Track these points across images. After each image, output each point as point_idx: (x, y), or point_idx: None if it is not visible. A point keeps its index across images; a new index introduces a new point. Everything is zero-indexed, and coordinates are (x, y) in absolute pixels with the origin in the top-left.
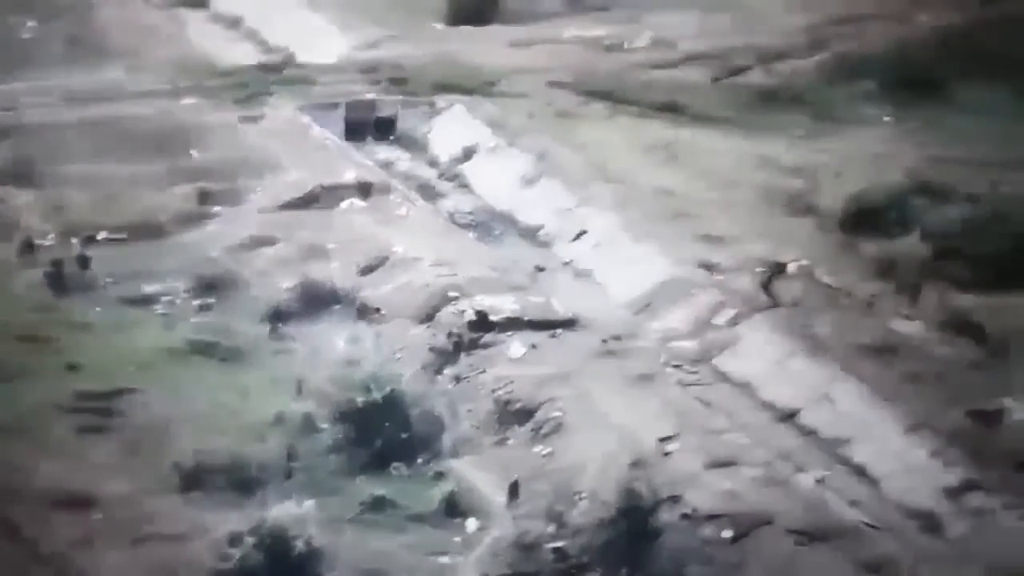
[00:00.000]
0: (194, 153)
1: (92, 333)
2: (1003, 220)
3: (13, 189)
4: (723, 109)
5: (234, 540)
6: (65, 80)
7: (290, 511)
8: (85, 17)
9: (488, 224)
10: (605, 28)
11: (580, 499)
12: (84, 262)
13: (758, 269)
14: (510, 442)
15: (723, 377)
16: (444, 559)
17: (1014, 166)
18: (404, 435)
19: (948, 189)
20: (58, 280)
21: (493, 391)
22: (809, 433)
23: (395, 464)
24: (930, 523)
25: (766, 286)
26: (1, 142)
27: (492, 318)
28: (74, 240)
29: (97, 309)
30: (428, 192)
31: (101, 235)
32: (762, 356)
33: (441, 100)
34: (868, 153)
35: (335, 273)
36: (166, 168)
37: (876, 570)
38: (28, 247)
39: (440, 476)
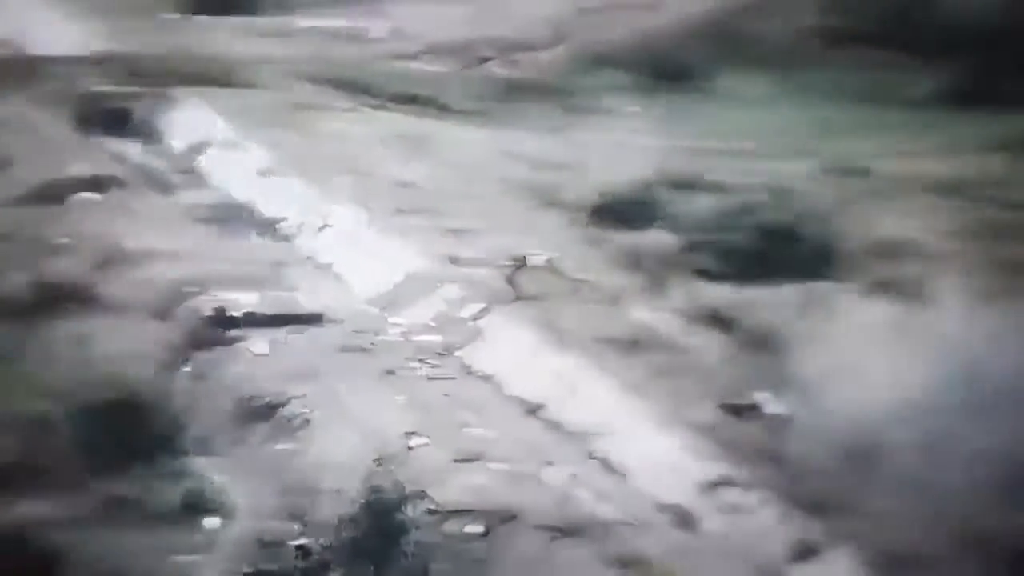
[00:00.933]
0: None
1: None
2: (754, 211)
3: None
4: (467, 101)
5: None
6: None
7: (28, 511)
8: None
9: (227, 217)
10: (346, 19)
11: (324, 496)
12: None
13: (504, 263)
14: (253, 439)
15: (469, 371)
16: (186, 558)
17: (766, 156)
18: (143, 434)
19: (697, 180)
20: None
21: (234, 388)
22: (557, 427)
23: (135, 463)
24: (683, 518)
25: (512, 280)
26: None
27: (233, 313)
28: None
29: None
30: (164, 185)
31: None
32: (508, 350)
33: (177, 92)
34: (617, 144)
35: (68, 269)
36: None
37: (627, 565)
38: None
39: (181, 475)
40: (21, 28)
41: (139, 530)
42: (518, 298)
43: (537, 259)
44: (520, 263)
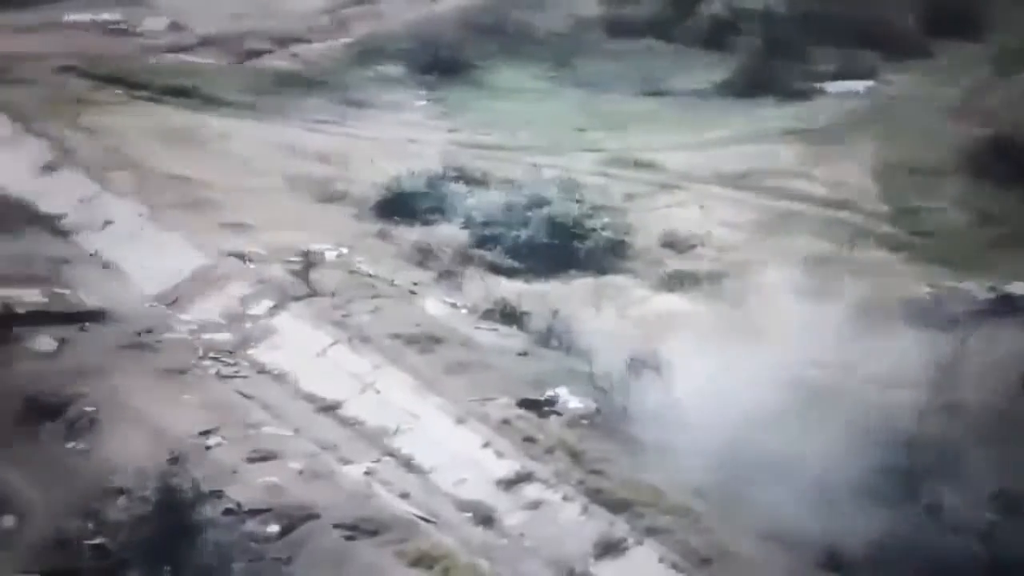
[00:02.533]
0: None
1: None
2: (542, 205)
3: None
4: (243, 94)
5: None
6: None
7: None
8: None
9: (5, 214)
10: (116, 12)
11: (118, 495)
12: None
13: (291, 258)
14: (43, 438)
15: (262, 369)
16: None
17: (551, 150)
18: None
19: (485, 174)
20: None
21: (21, 387)
22: (354, 424)
23: None
24: (483, 515)
25: (301, 275)
26: None
27: (15, 311)
28: None
29: None
30: None
31: None
32: (301, 347)
33: None
34: (401, 138)
35: None
36: None
37: (428, 563)
38: None
39: None
40: None
41: None
42: (309, 294)
43: (327, 255)
44: (310, 258)
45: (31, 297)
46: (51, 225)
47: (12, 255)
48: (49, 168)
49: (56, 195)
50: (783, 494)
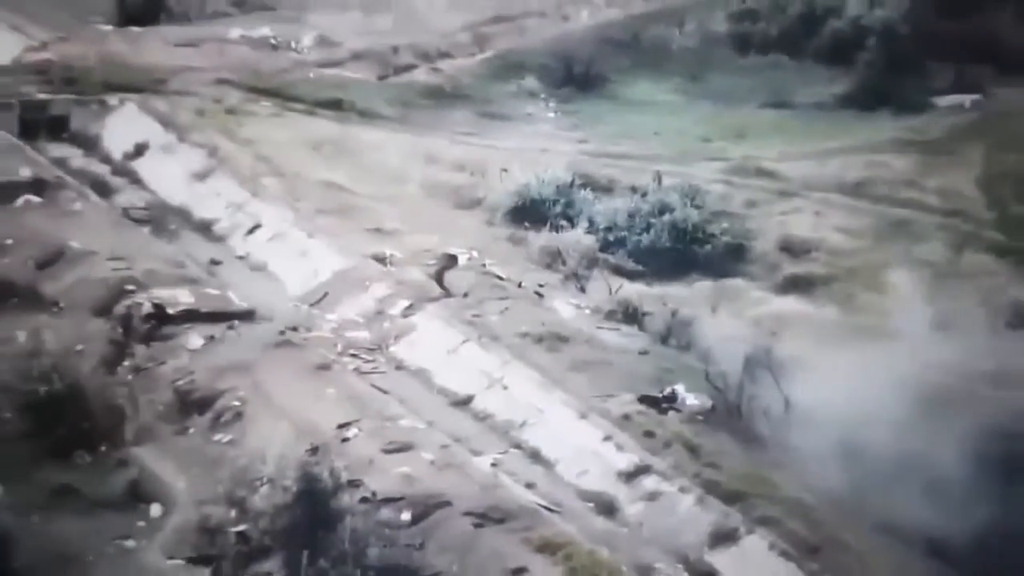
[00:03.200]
0: None
1: None
2: (665, 211)
3: None
4: (389, 106)
5: None
6: None
7: None
8: None
9: (163, 219)
10: (271, 27)
11: (261, 484)
12: None
13: (429, 261)
14: (191, 431)
15: (398, 365)
16: (129, 543)
17: (677, 159)
18: (87, 425)
19: (612, 182)
20: None
21: (173, 382)
22: (483, 418)
23: (78, 452)
24: (604, 505)
25: (438, 277)
26: None
27: (169, 310)
28: None
29: None
30: (102, 188)
31: None
32: (436, 344)
33: (112, 99)
34: (533, 148)
35: (13, 268)
36: None
37: (554, 548)
38: None
39: (123, 464)
40: None
41: (84, 516)
42: (444, 295)
43: (462, 257)
44: (446, 261)
45: (183, 297)
46: (204, 229)
47: (166, 257)
48: (203, 175)
49: (209, 201)
50: (895, 488)
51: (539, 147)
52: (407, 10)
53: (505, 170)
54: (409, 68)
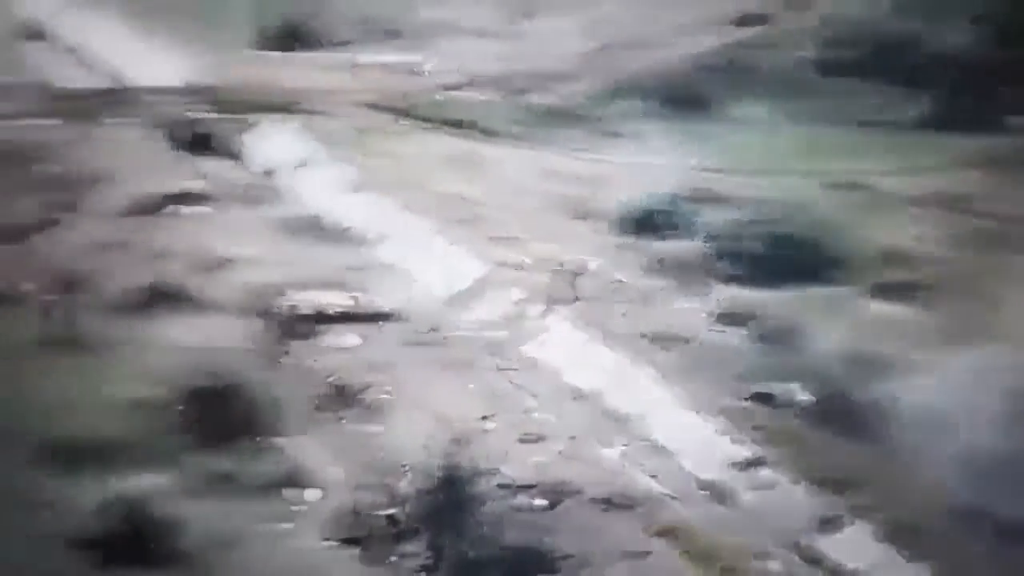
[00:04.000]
0: (41, 167)
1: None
2: (766, 222)
3: None
4: (512, 125)
5: (97, 509)
6: None
7: (146, 484)
8: None
9: (315, 228)
10: (399, 53)
11: (407, 472)
12: None
13: (557, 267)
14: (343, 421)
15: (532, 363)
16: (287, 526)
17: (773, 174)
18: (246, 416)
19: (714, 195)
20: None
21: (327, 376)
22: (609, 412)
23: (239, 442)
24: (721, 494)
25: (566, 282)
26: None
27: (324, 312)
28: None
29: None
30: (259, 200)
31: None
32: (566, 344)
33: (264, 118)
34: (643, 163)
35: (177, 272)
36: (14, 182)
37: (673, 533)
38: None
39: (280, 452)
40: (125, 62)
41: (242, 501)
42: (572, 299)
43: (586, 264)
44: (572, 267)
45: (339, 300)
46: (354, 238)
47: (324, 264)
48: (348, 188)
49: (355, 211)
50: (998, 484)
51: (649, 162)
52: (527, 36)
53: (620, 183)
54: (528, 90)
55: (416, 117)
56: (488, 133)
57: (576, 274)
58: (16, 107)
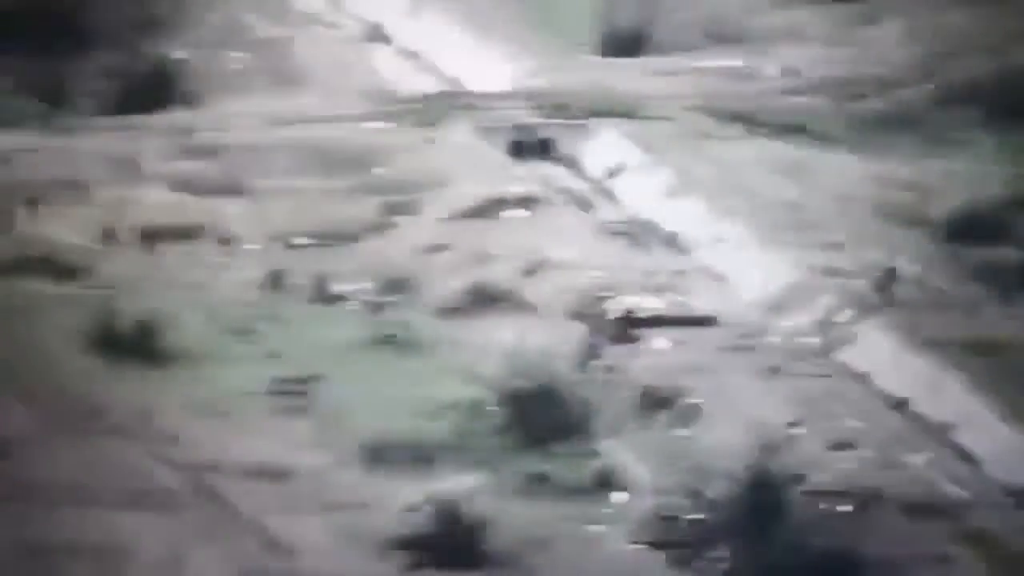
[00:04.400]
0: (377, 170)
1: (290, 326)
2: None
3: (225, 200)
4: (843, 131)
5: (412, 509)
6: (267, 105)
7: (461, 484)
8: (285, 51)
9: (635, 232)
10: (739, 59)
11: (715, 477)
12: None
13: (874, 274)
14: (655, 426)
15: (843, 369)
16: (596, 528)
17: None
18: (561, 418)
19: None
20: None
21: (639, 381)
22: (918, 419)
23: (554, 444)
24: None
25: (881, 289)
26: (213, 159)
27: (639, 315)
28: (278, 244)
29: (295, 306)
30: (583, 204)
31: (299, 240)
32: (877, 351)
33: (594, 123)
34: (972, 171)
35: (501, 275)
36: (355, 183)
37: (978, 540)
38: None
39: (592, 454)
40: (462, 67)
41: (555, 503)
42: (888, 305)
43: (903, 271)
44: (889, 274)
45: (652, 304)
46: (672, 242)
47: (638, 267)
48: (674, 193)
49: (678, 216)
50: None
51: (977, 170)
52: (863, 43)
53: (945, 190)
54: (862, 95)
55: (748, 122)
56: (818, 138)
57: (893, 281)
58: (355, 111)
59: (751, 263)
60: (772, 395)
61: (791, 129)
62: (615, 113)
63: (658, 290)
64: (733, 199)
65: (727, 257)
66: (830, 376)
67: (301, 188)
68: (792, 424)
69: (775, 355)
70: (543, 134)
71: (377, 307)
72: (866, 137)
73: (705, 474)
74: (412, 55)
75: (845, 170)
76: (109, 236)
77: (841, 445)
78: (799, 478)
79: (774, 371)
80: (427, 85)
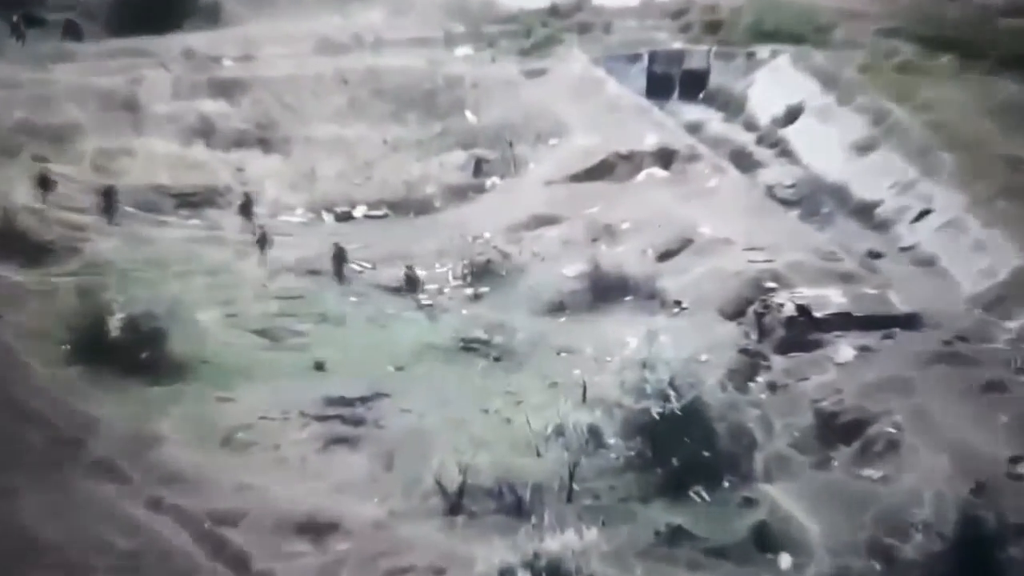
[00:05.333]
0: (468, 114)
1: (344, 327)
2: None
3: (255, 154)
4: None
5: (505, 575)
6: (315, 24)
7: (570, 541)
8: None
9: (814, 200)
10: None
11: (914, 530)
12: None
13: None
14: (834, 464)
15: None
16: None
17: None
18: (707, 453)
19: None
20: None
21: (815, 402)
22: None
23: (696, 488)
24: None
25: None
26: (239, 98)
27: (816, 314)
28: (326, 215)
29: (351, 299)
30: (743, 161)
31: (358, 211)
32: None
33: (761, 50)
34: None
35: (629, 258)
36: (434, 131)
37: None
38: (245, 209)
39: (749, 503)
40: None
41: (696, 566)
42: None
43: None
44: None
45: (834, 298)
46: (863, 213)
47: (816, 247)
48: (866, 147)
49: (872, 179)
50: None
51: None
52: None
53: None
54: None
55: (967, 52)
56: None
57: None
58: (434, 32)
59: (968, 243)
60: (992, 420)
61: (1019, 61)
62: (790, 37)
63: (844, 279)
64: (945, 156)
65: (937, 235)
66: None
67: (358, 139)
68: (1015, 459)
69: (999, 367)
70: (692, 65)
71: (462, 301)
72: None
73: (900, 528)
74: None
75: None
76: (97, 203)
77: None
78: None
79: (997, 388)
80: None
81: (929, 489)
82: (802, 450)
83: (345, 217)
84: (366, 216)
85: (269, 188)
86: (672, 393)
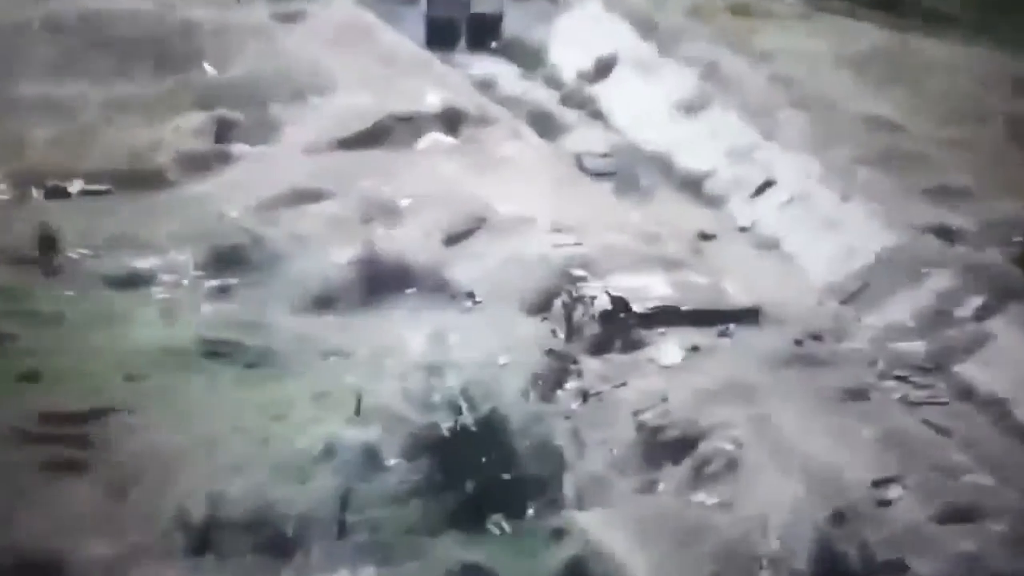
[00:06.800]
0: (207, 67)
1: (61, 328)
2: None
3: None
4: (962, 9)
5: None
6: None
7: None
8: None
9: (631, 171)
10: None
11: (760, 567)
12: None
13: (1016, 238)
14: (660, 487)
15: (966, 393)
16: None
17: None
18: (508, 476)
19: None
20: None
21: (636, 413)
22: None
23: (495, 517)
24: None
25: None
26: None
27: (636, 307)
28: (35, 192)
29: (68, 293)
30: (545, 124)
31: (74, 186)
32: (1021, 363)
33: None
34: None
35: (410, 242)
36: (167, 89)
37: None
38: None
39: (559, 535)
40: None
41: None
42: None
43: None
44: None
45: (656, 288)
46: (691, 186)
47: (635, 228)
48: (694, 107)
49: (701, 145)
50: None
51: None
52: None
53: None
54: None
55: None
56: (928, 19)
57: None
58: None
59: (820, 221)
60: (852, 435)
61: (880, 3)
62: None
63: (668, 266)
64: (791, 116)
65: (782, 212)
66: (945, 403)
67: (74, 98)
68: (882, 482)
69: (859, 371)
70: (482, 8)
71: (206, 295)
72: (994, 18)
73: (742, 564)
74: None
75: (966, 71)
76: None
77: (960, 515)
78: (894, 567)
79: (856, 396)
80: None
81: (777, 517)
82: (622, 471)
83: (58, 193)
84: (84, 192)
85: None
86: (464, 404)
